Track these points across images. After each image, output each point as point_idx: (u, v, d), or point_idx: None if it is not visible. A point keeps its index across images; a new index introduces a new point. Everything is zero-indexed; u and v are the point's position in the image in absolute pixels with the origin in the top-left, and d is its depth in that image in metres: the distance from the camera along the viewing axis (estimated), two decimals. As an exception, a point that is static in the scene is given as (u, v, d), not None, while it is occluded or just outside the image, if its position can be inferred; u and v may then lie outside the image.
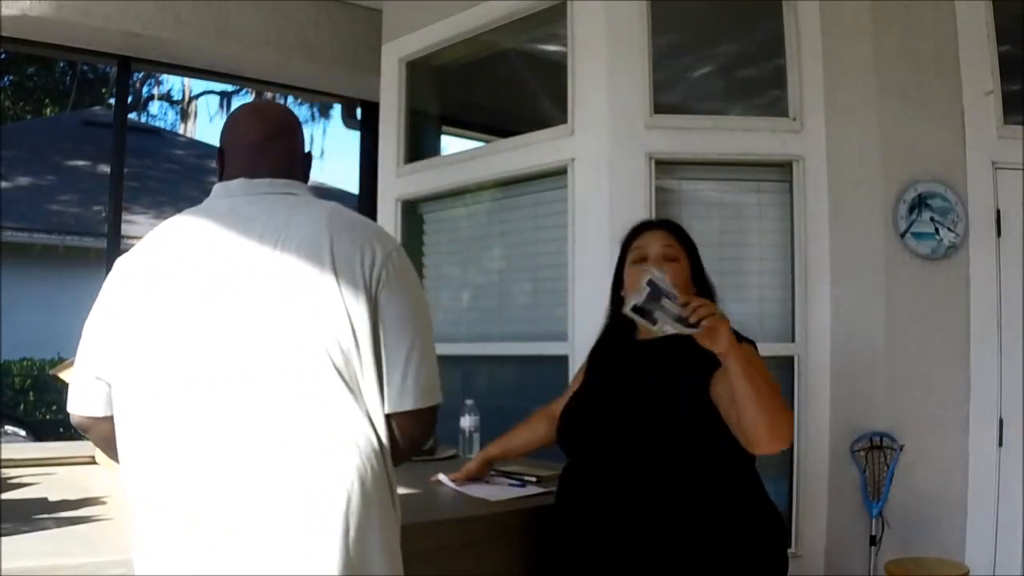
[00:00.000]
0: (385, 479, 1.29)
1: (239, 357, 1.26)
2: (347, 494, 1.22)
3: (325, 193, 12.90)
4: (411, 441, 1.34)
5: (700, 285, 1.94)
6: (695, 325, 1.57)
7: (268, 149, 1.46)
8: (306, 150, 1.55)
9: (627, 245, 2.01)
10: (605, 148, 3.10)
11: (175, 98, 16.99)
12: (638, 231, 2.02)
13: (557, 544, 1.85)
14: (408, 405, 1.30)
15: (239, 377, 1.25)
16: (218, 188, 1.43)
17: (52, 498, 1.86)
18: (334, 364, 1.25)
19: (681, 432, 1.73)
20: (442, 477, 2.14)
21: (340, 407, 1.25)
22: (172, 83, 16.97)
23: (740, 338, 1.81)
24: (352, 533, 1.21)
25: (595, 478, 1.79)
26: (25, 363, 9.14)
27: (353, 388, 1.27)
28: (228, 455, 1.23)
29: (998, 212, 3.07)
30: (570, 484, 1.86)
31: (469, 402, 2.87)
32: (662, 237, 1.96)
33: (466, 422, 2.83)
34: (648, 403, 1.79)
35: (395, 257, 1.36)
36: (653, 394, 1.80)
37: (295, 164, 1.50)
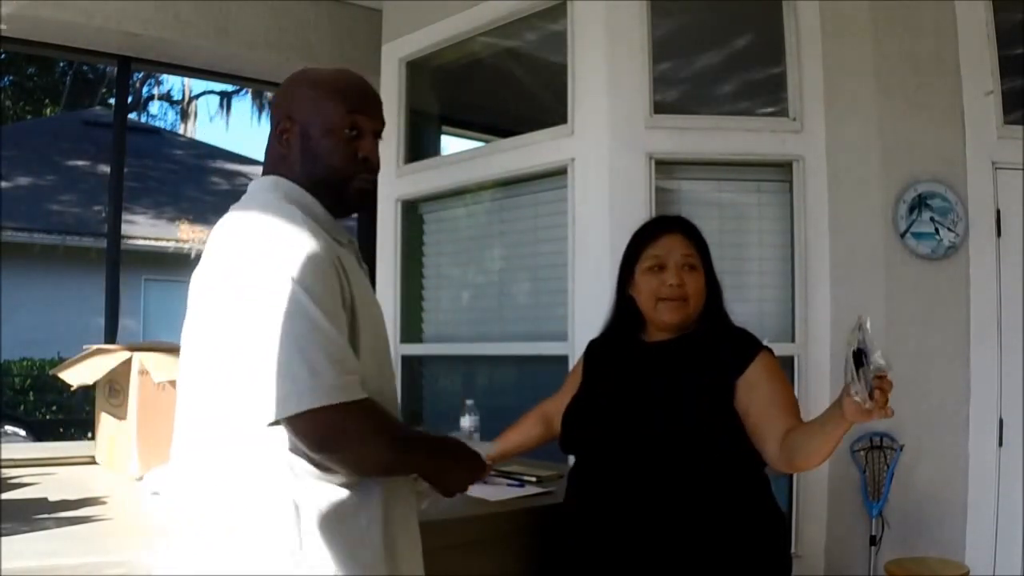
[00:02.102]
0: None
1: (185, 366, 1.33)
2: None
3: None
4: None
5: (711, 288, 1.88)
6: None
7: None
8: (278, 121, 1.41)
9: (640, 246, 1.90)
10: (605, 148, 3.10)
11: (175, 98, 17.00)
12: (653, 233, 1.90)
13: (561, 545, 1.85)
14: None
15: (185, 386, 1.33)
16: None
17: (52, 498, 1.86)
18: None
19: (685, 435, 1.72)
20: None
21: None
22: (172, 83, 16.99)
23: (757, 345, 1.80)
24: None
25: (598, 480, 1.79)
26: (25, 363, 9.15)
27: None
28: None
29: (998, 212, 3.07)
30: (574, 485, 1.86)
31: (469, 402, 2.87)
32: (681, 245, 1.85)
33: (466, 422, 2.83)
34: (652, 405, 1.78)
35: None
36: (657, 396, 1.78)
37: (269, 156, 1.42)
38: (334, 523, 1.22)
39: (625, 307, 1.92)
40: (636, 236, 1.94)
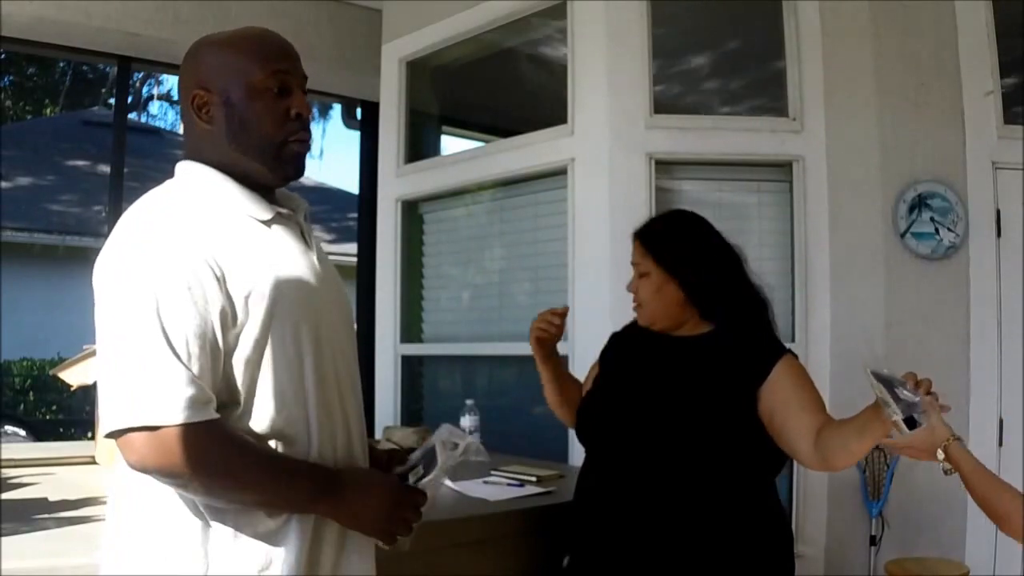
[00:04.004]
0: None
1: None
2: None
3: (325, 193, 12.89)
4: None
5: (697, 296, 1.83)
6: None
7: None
8: (192, 96, 1.27)
9: None
10: (605, 148, 3.09)
11: (175, 98, 17.00)
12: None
13: (569, 540, 1.85)
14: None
15: None
16: None
17: (52, 498, 1.87)
18: None
19: (697, 434, 1.72)
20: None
21: None
22: (172, 83, 16.98)
23: (778, 351, 1.80)
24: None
25: (607, 476, 1.79)
26: (25, 363, 9.14)
27: None
28: None
29: (998, 212, 3.07)
30: (584, 481, 1.85)
31: (469, 402, 2.87)
32: (636, 251, 1.89)
33: (466, 422, 2.84)
34: (667, 402, 1.77)
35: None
36: (673, 393, 1.78)
37: (188, 139, 1.32)
38: (238, 521, 1.17)
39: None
40: None
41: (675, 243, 1.87)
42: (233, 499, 1.16)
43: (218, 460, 1.14)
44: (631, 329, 1.98)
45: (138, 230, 1.19)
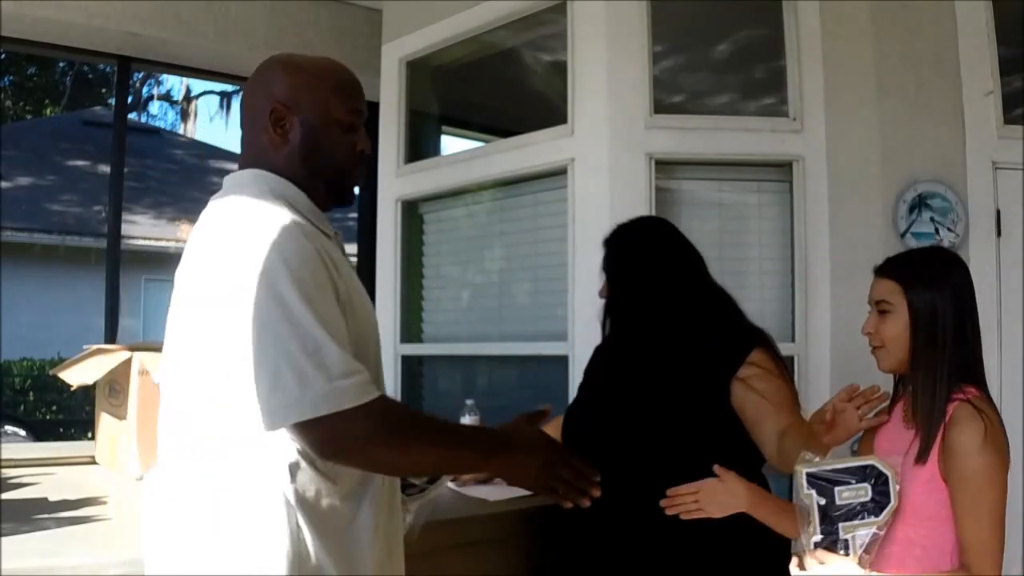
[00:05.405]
0: None
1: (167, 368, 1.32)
2: None
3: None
4: None
5: (634, 293, 1.88)
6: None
7: (242, 134, 1.41)
8: (270, 108, 1.33)
9: None
10: (605, 148, 3.09)
11: (175, 98, 17.01)
12: None
13: (558, 545, 1.85)
14: None
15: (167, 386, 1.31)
16: None
17: (52, 498, 1.87)
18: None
19: (671, 426, 1.73)
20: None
21: None
22: (172, 83, 16.99)
23: (751, 341, 1.80)
24: None
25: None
26: (25, 363, 9.15)
27: None
28: None
29: (998, 212, 3.07)
30: None
31: (469, 402, 2.87)
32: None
33: (466, 422, 2.83)
34: (645, 404, 1.78)
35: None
36: (652, 395, 1.79)
37: (252, 146, 1.38)
38: (328, 524, 1.20)
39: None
40: None
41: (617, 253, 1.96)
42: (417, 466, 1.29)
43: (409, 429, 1.25)
44: (610, 339, 2.01)
45: (263, 225, 1.21)
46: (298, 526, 1.18)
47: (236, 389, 1.17)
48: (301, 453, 1.19)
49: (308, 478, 1.20)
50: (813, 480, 1.34)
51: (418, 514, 1.49)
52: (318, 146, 1.34)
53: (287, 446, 1.19)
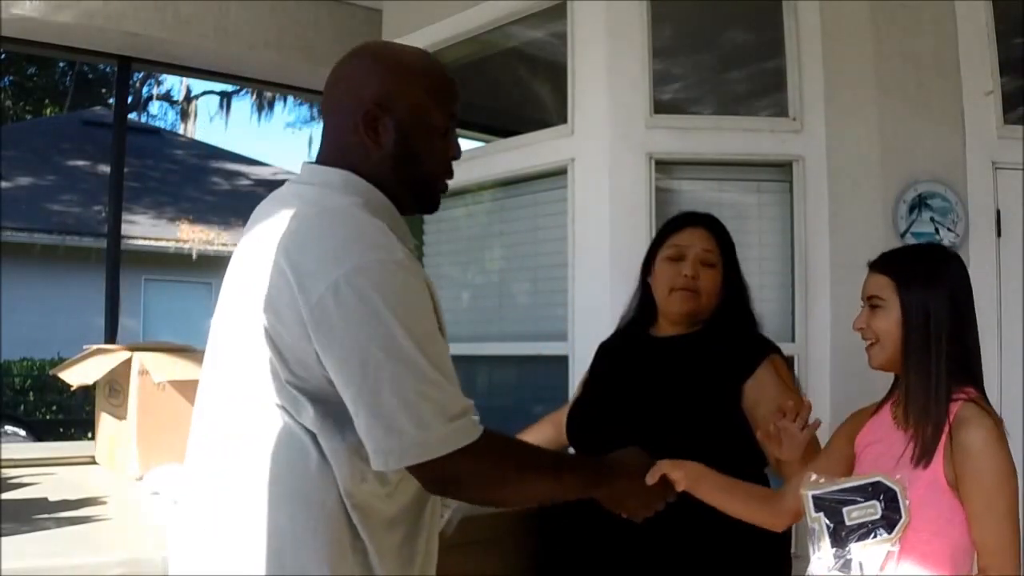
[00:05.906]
0: None
1: (212, 367, 1.26)
2: None
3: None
4: None
5: (733, 288, 1.90)
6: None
7: (324, 124, 1.31)
8: (364, 110, 1.22)
9: (664, 234, 1.95)
10: (605, 148, 3.09)
11: (175, 98, 17.02)
12: (679, 224, 1.96)
13: (559, 544, 1.85)
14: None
15: (210, 385, 1.26)
16: None
17: (52, 498, 1.86)
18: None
19: (684, 434, 1.72)
20: None
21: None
22: (172, 83, 17.00)
23: (766, 349, 1.80)
24: None
25: None
26: (25, 363, 9.16)
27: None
28: None
29: (998, 212, 3.07)
30: None
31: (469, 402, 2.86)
32: (703, 238, 1.89)
33: (466, 422, 2.83)
34: (653, 403, 1.78)
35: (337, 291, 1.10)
36: (659, 394, 1.79)
37: (337, 142, 1.26)
38: (383, 527, 1.19)
39: (642, 295, 1.95)
40: (663, 225, 2.00)
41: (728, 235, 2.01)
42: (523, 497, 1.32)
43: (513, 463, 1.25)
44: (616, 337, 2.00)
45: (362, 247, 1.13)
46: (355, 534, 1.16)
47: (305, 399, 1.14)
48: (364, 462, 1.15)
49: (368, 489, 1.18)
50: (820, 502, 1.31)
51: (456, 510, 1.51)
52: (413, 154, 1.25)
53: (350, 456, 1.16)
